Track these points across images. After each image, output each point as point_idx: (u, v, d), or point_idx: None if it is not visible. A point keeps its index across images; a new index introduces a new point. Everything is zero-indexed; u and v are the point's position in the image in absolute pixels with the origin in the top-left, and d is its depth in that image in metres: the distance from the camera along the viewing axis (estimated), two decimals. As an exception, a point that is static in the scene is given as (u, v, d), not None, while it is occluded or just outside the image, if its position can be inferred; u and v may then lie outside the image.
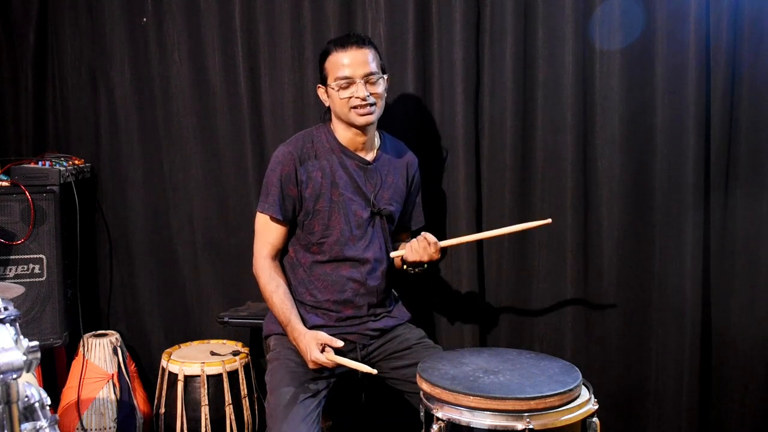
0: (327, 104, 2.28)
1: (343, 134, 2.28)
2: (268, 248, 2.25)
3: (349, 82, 2.17)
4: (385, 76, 2.24)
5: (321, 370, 2.15)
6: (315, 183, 2.23)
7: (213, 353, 2.75)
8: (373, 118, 2.22)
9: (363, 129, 2.24)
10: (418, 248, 2.18)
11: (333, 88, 2.20)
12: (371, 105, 2.19)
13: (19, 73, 3.09)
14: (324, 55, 2.25)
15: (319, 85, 2.29)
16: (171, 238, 3.02)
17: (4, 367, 1.34)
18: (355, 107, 2.18)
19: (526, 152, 2.62)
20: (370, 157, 2.31)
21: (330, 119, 2.31)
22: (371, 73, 2.18)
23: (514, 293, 2.68)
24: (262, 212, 2.24)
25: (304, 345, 2.12)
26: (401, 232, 2.48)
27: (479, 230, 2.66)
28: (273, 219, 2.23)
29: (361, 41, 2.21)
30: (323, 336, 2.10)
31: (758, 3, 2.41)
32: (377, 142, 2.34)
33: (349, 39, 2.21)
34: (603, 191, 2.57)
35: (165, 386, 2.69)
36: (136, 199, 3.02)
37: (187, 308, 3.03)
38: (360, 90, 2.17)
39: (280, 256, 2.31)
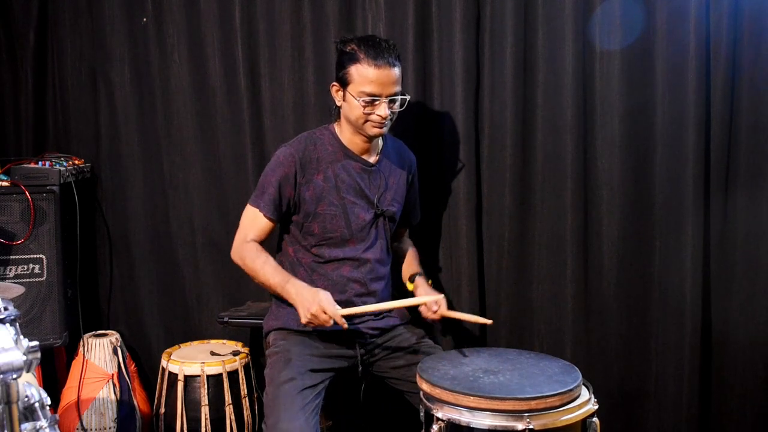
0: (339, 104, 2.25)
1: (349, 138, 2.28)
2: (252, 235, 2.24)
3: (374, 99, 2.15)
4: (408, 98, 2.23)
5: (320, 363, 2.16)
6: (316, 186, 2.23)
7: (213, 353, 2.75)
8: (385, 131, 2.23)
9: (371, 137, 2.26)
10: (426, 311, 2.25)
11: (354, 97, 2.17)
12: (388, 121, 2.20)
13: (19, 73, 3.09)
14: (350, 58, 2.16)
15: (336, 84, 2.23)
16: (171, 238, 3.02)
17: (4, 367, 1.35)
18: (371, 121, 2.19)
19: (526, 152, 2.62)
20: (373, 159, 2.32)
21: (338, 118, 2.31)
22: (397, 93, 2.18)
23: (514, 293, 2.67)
24: (254, 207, 2.24)
25: (311, 296, 2.07)
26: (401, 227, 2.51)
27: (479, 230, 2.66)
28: (265, 216, 2.23)
29: (393, 61, 2.15)
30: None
31: (758, 3, 2.40)
32: (380, 143, 2.35)
33: (382, 54, 2.14)
34: (603, 191, 2.56)
35: (165, 386, 2.69)
36: (136, 199, 3.03)
37: (187, 308, 3.03)
38: (383, 109, 2.16)
39: (273, 253, 2.30)
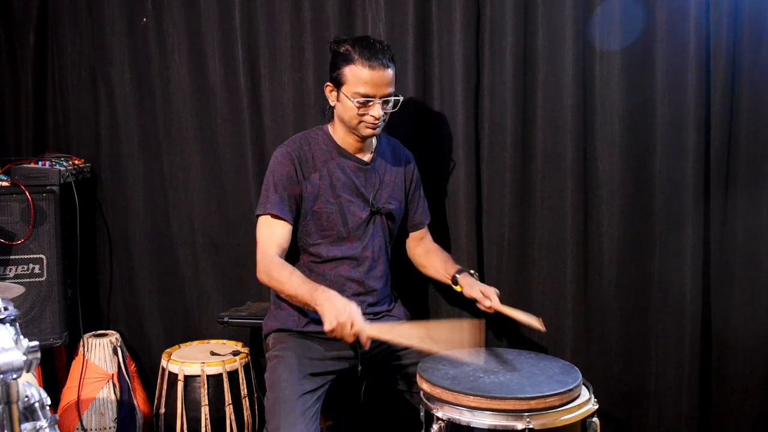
0: (332, 104, 2.26)
1: (342, 137, 2.28)
2: (273, 248, 2.15)
3: (368, 100, 2.16)
4: (401, 99, 2.23)
5: (319, 366, 2.16)
6: (313, 185, 2.23)
7: (213, 353, 2.75)
8: (378, 132, 2.24)
9: (364, 138, 2.26)
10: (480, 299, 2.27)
11: (348, 98, 2.17)
12: (381, 122, 2.21)
13: (19, 73, 3.10)
14: (344, 58, 2.17)
15: (329, 85, 2.24)
16: (171, 238, 3.02)
17: (4, 367, 1.34)
18: (365, 122, 2.19)
19: (526, 152, 2.62)
20: (367, 158, 2.32)
21: (332, 118, 2.31)
22: (390, 94, 2.19)
23: (514, 293, 2.67)
24: (264, 213, 2.19)
25: (343, 305, 1.91)
26: (414, 230, 2.50)
27: (479, 230, 2.66)
28: (276, 217, 2.17)
29: (387, 62, 2.15)
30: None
31: (758, 3, 2.40)
32: (374, 142, 2.35)
33: (376, 55, 2.14)
34: (603, 191, 2.56)
35: (165, 386, 2.69)
36: (136, 199, 3.03)
37: (187, 308, 3.03)
38: (376, 110, 2.17)
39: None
